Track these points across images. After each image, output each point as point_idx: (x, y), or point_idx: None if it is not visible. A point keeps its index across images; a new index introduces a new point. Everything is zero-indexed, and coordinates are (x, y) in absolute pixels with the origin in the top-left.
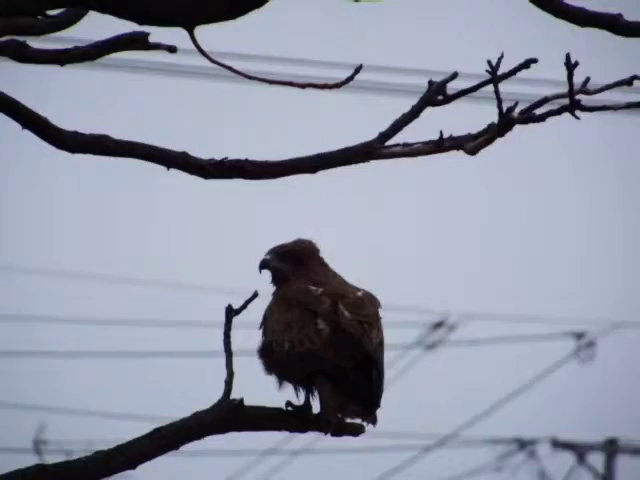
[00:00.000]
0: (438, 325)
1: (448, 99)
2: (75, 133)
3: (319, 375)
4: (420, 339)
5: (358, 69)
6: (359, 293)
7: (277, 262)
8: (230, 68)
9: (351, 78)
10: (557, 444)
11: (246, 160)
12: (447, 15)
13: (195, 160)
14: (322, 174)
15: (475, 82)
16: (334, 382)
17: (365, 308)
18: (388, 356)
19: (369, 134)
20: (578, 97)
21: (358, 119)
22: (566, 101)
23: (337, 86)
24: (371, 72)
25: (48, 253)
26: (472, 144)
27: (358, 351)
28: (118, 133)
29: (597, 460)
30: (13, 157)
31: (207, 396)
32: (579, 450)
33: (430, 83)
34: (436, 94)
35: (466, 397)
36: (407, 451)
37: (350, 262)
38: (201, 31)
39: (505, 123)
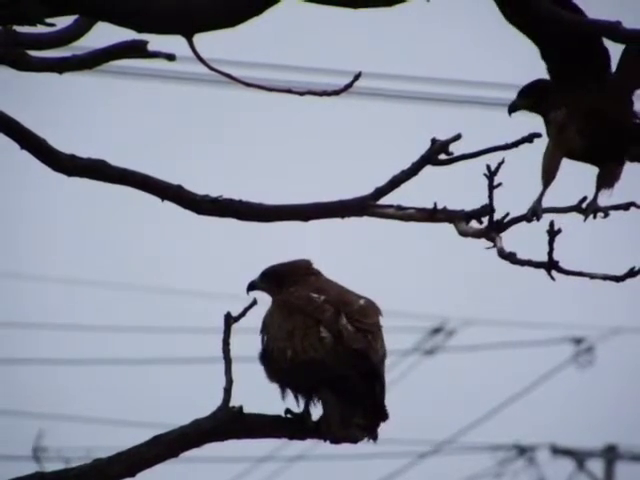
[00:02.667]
0: (436, 331)
1: (450, 160)
2: (72, 157)
3: (322, 385)
4: (418, 345)
5: (357, 76)
6: (361, 301)
7: (264, 284)
8: (229, 75)
9: (350, 85)
10: (556, 450)
11: (240, 201)
12: (447, 22)
13: (189, 195)
14: None
15: (475, 90)
16: (337, 393)
17: (368, 317)
18: (386, 362)
19: (367, 142)
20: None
21: (357, 126)
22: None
23: (336, 93)
24: (370, 79)
25: (45, 259)
26: (464, 227)
27: (362, 361)
28: (117, 140)
29: (596, 466)
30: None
31: (206, 403)
32: (578, 456)
33: (433, 141)
34: (437, 153)
35: (465, 403)
36: (405, 457)
37: (348, 267)
38: (200, 39)
39: (494, 228)
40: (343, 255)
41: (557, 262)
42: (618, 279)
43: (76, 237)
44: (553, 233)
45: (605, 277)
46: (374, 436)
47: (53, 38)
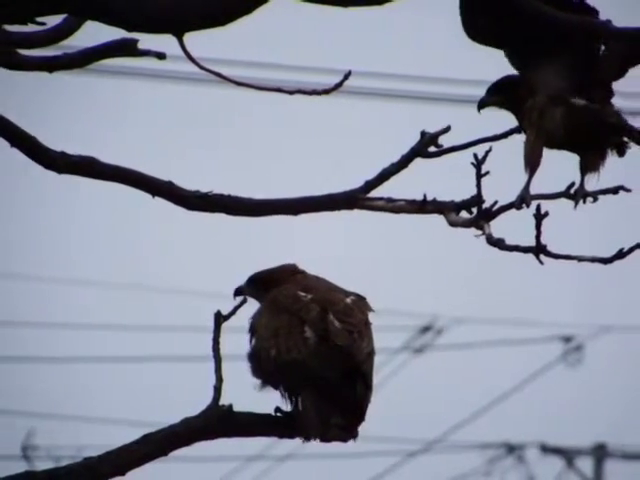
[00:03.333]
0: (426, 329)
1: (439, 152)
2: (63, 154)
3: (305, 385)
4: (408, 343)
5: (347, 75)
6: (348, 299)
7: (250, 289)
8: (219, 74)
9: (340, 84)
10: (546, 449)
11: (229, 196)
12: (437, 20)
13: (180, 191)
14: None
15: (465, 88)
16: (319, 393)
17: (354, 316)
18: (376, 360)
19: (357, 141)
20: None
21: (347, 125)
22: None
23: (326, 92)
24: (360, 78)
25: (31, 258)
26: (454, 218)
27: (345, 362)
28: (108, 140)
29: (586, 465)
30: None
31: (196, 402)
32: (568, 455)
33: (422, 134)
34: (427, 146)
35: (454, 401)
36: (395, 456)
37: (337, 265)
38: (190, 38)
39: (483, 217)
40: (332, 254)
41: (545, 246)
42: (606, 261)
43: (61, 235)
44: (540, 217)
45: (593, 259)
46: (354, 435)
47: (43, 37)
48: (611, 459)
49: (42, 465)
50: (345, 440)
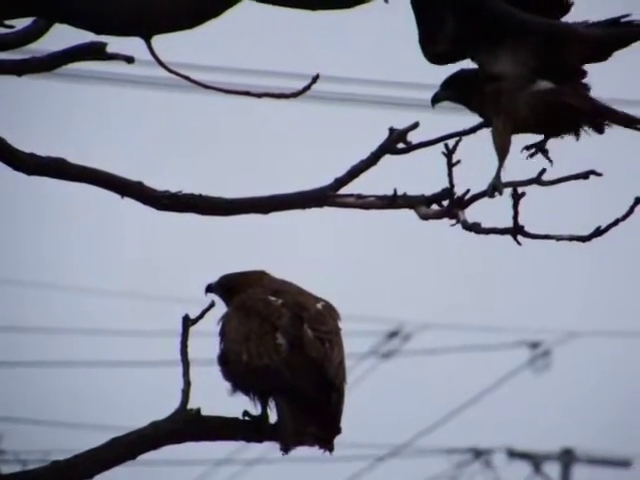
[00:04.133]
0: (393, 334)
1: (408, 148)
2: (32, 155)
3: (277, 392)
4: (375, 348)
5: (315, 79)
6: (319, 305)
7: (219, 291)
8: (187, 78)
9: (308, 88)
10: (513, 454)
11: (200, 196)
12: (406, 24)
13: (149, 191)
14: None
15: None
16: (292, 402)
17: (326, 323)
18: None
19: (325, 145)
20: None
21: (315, 129)
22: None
23: (294, 95)
24: (328, 82)
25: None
26: (424, 210)
27: (317, 372)
28: (77, 143)
29: (553, 470)
30: None
31: (164, 406)
32: (535, 460)
33: (391, 131)
34: (396, 142)
35: (421, 406)
36: (363, 460)
37: (305, 270)
38: (159, 42)
39: (456, 205)
40: (299, 257)
41: (522, 227)
42: (584, 239)
43: (29, 237)
44: (517, 197)
45: (571, 238)
46: (330, 448)
47: (12, 40)
48: (578, 464)
49: (9, 469)
50: (323, 451)
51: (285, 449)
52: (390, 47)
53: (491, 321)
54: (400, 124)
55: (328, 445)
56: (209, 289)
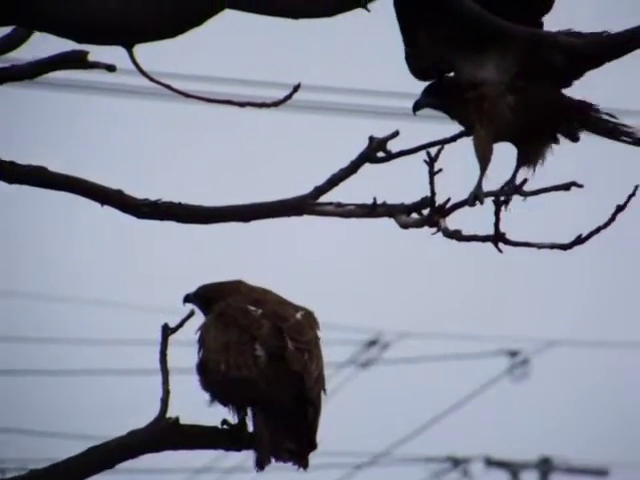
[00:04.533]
0: (372, 343)
1: (388, 157)
2: (12, 164)
3: (255, 405)
4: (353, 357)
5: (296, 88)
6: (298, 315)
7: (197, 300)
8: (169, 87)
9: (289, 97)
10: (491, 462)
11: (179, 204)
12: (389, 33)
13: (129, 199)
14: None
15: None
16: (269, 415)
17: (305, 333)
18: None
19: (306, 154)
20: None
21: (297, 138)
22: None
23: (275, 105)
24: (310, 91)
25: None
26: (404, 219)
27: (296, 385)
28: (57, 153)
29: (531, 478)
30: None
31: (143, 414)
32: (513, 468)
33: (371, 139)
34: (376, 151)
35: (399, 415)
36: (341, 469)
37: (284, 279)
38: (141, 51)
39: (437, 213)
40: (278, 267)
41: (504, 234)
42: (565, 247)
43: (5, 247)
44: (499, 203)
45: (552, 246)
46: (304, 464)
47: None
48: (556, 473)
49: None
50: (297, 468)
51: (260, 465)
52: (371, 56)
53: (470, 330)
54: (381, 132)
55: (303, 462)
56: (187, 299)
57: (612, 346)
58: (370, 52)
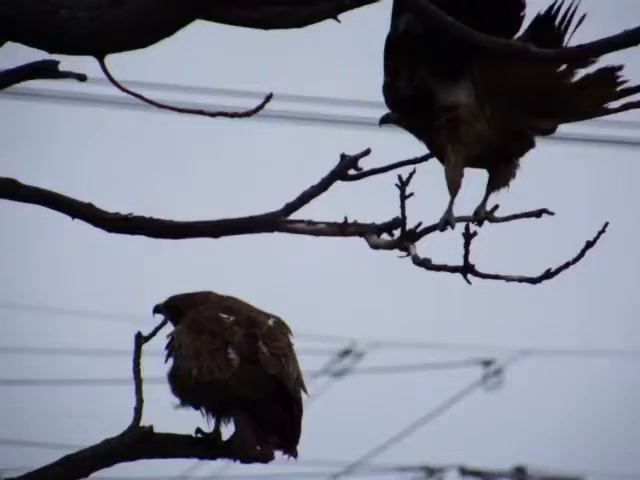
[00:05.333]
0: (345, 353)
1: (360, 175)
2: None
3: (234, 407)
4: (327, 367)
5: (268, 98)
6: (270, 321)
7: (167, 310)
8: (140, 97)
9: (261, 107)
10: (465, 471)
11: (150, 219)
12: (359, 44)
13: (100, 213)
14: None
15: (387, 111)
16: (250, 415)
17: (279, 339)
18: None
19: (279, 165)
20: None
21: (269, 147)
22: None
23: (247, 114)
24: (283, 101)
25: None
26: (375, 240)
27: (276, 389)
28: (28, 164)
29: None
30: None
31: (117, 424)
32: (487, 478)
33: (342, 157)
34: (347, 169)
35: (374, 424)
36: (316, 478)
37: (256, 289)
38: (112, 60)
39: (408, 237)
40: (249, 276)
41: (473, 265)
42: (534, 281)
43: None
44: (469, 236)
45: (521, 279)
46: (294, 453)
47: None
48: None
49: None
50: (288, 458)
51: (246, 459)
52: (343, 65)
53: (443, 339)
54: (354, 143)
55: (292, 451)
56: (157, 310)
57: (586, 355)
58: (341, 61)
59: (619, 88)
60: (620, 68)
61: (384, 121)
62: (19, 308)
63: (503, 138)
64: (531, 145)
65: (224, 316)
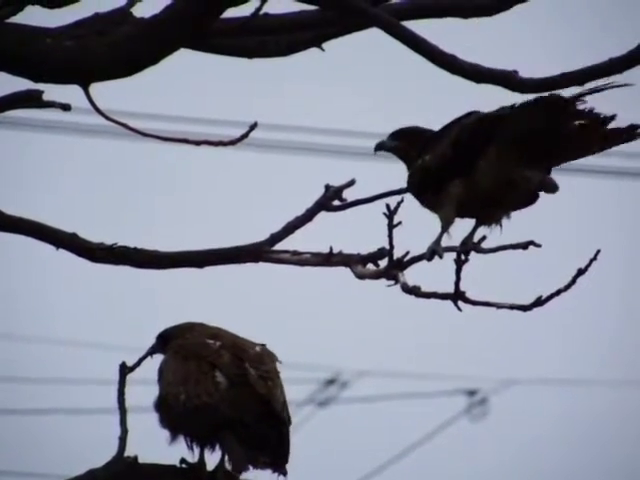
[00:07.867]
0: (330, 382)
1: (343, 206)
2: None
3: (223, 429)
4: (312, 396)
5: (253, 126)
6: (257, 348)
7: (158, 346)
8: (125, 125)
9: (246, 135)
10: None
11: (135, 249)
12: (343, 73)
13: (84, 243)
14: None
15: (372, 141)
16: (238, 437)
17: (265, 363)
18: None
19: (263, 194)
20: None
21: (253, 177)
22: None
23: (232, 143)
24: (267, 130)
25: None
26: (361, 270)
27: (263, 407)
28: (11, 193)
29: None
30: None
31: (101, 454)
32: None
33: (327, 188)
34: (331, 199)
35: (359, 454)
36: None
37: (240, 317)
38: (96, 89)
39: (395, 266)
40: (235, 306)
41: (464, 292)
42: (525, 308)
43: None
44: (460, 263)
45: (512, 307)
46: (283, 472)
47: None
48: None
49: None
50: (277, 476)
51: (238, 471)
52: (328, 94)
53: (428, 369)
54: (339, 172)
55: (281, 469)
56: (153, 351)
57: (572, 385)
58: (326, 90)
59: (606, 132)
60: (613, 118)
61: (379, 148)
62: (0, 337)
63: (497, 189)
64: (531, 200)
65: (210, 341)
